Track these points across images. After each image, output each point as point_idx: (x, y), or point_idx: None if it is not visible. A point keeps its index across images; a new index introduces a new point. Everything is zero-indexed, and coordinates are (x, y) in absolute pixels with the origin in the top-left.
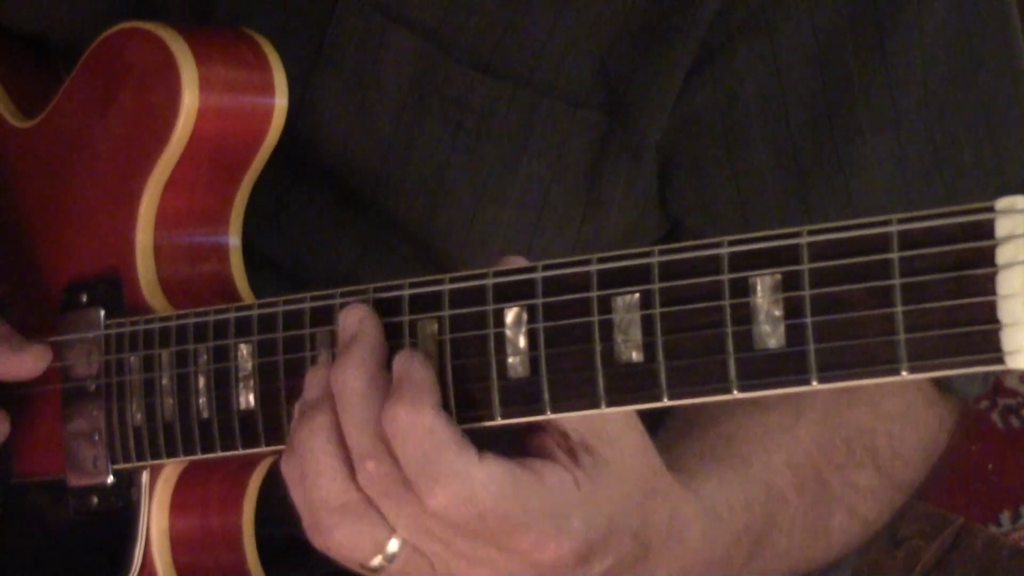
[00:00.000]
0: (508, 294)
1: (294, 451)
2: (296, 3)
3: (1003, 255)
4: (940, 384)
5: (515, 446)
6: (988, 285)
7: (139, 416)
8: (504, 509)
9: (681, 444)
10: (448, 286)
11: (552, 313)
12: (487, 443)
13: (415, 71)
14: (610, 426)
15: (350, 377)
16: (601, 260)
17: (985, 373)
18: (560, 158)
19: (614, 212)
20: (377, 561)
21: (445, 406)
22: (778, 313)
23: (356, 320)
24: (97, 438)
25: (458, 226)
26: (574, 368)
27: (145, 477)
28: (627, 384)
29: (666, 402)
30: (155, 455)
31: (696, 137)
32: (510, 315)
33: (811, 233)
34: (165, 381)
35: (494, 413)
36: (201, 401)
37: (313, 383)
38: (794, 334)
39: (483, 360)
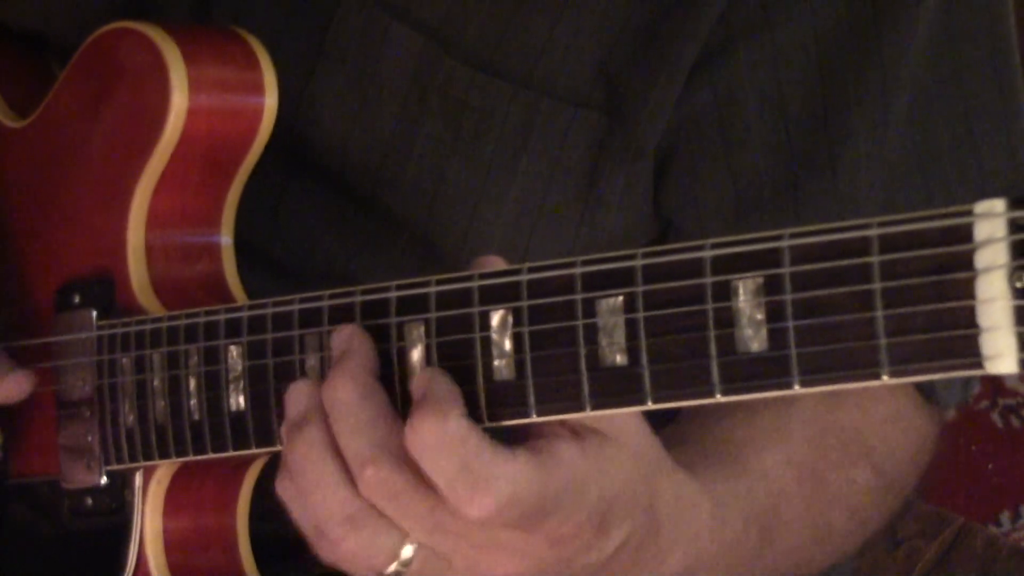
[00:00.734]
0: (494, 296)
1: (289, 470)
2: (297, 0)
3: (982, 259)
4: (924, 392)
5: (513, 430)
6: (967, 289)
7: (131, 417)
8: (540, 498)
9: (675, 448)
10: (434, 288)
11: (537, 316)
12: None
13: (416, 69)
14: None
15: (340, 388)
16: (585, 262)
17: (964, 383)
18: (559, 158)
19: (613, 212)
20: (393, 568)
21: None
22: (760, 316)
23: (345, 337)
24: (90, 439)
25: (456, 225)
26: (559, 371)
27: (138, 478)
28: (611, 387)
29: (650, 405)
30: (148, 456)
31: (694, 137)
32: (496, 318)
33: (792, 236)
34: (157, 383)
35: (481, 415)
36: (192, 403)
37: (297, 399)
38: (776, 338)
39: (469, 363)
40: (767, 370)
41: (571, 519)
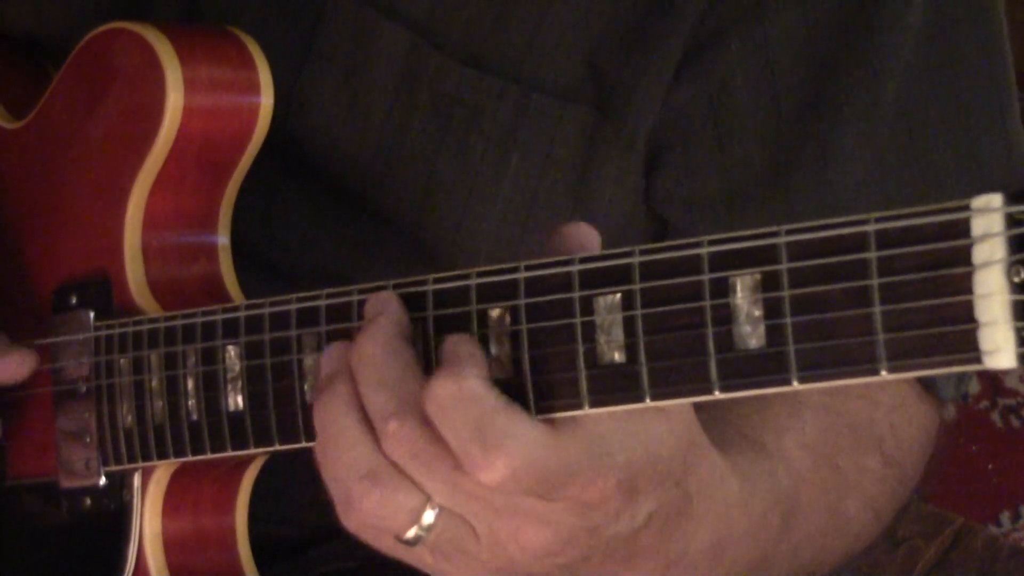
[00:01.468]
0: (491, 295)
1: (316, 427)
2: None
3: (979, 254)
4: (923, 382)
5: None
6: (965, 284)
7: (129, 418)
8: (559, 462)
9: None
10: (432, 287)
11: (535, 314)
12: None
13: (405, 66)
14: None
15: (367, 344)
16: (582, 260)
17: (959, 378)
18: (550, 153)
19: (604, 207)
20: (413, 532)
21: None
22: (758, 313)
23: (379, 301)
24: (88, 440)
25: (448, 221)
26: (557, 369)
27: (137, 479)
28: (610, 385)
29: (648, 403)
30: (146, 457)
31: (685, 130)
32: (493, 316)
33: (789, 232)
34: (155, 383)
35: None
36: (190, 403)
37: (330, 357)
38: (774, 334)
39: None
40: (765, 367)
41: (594, 484)
